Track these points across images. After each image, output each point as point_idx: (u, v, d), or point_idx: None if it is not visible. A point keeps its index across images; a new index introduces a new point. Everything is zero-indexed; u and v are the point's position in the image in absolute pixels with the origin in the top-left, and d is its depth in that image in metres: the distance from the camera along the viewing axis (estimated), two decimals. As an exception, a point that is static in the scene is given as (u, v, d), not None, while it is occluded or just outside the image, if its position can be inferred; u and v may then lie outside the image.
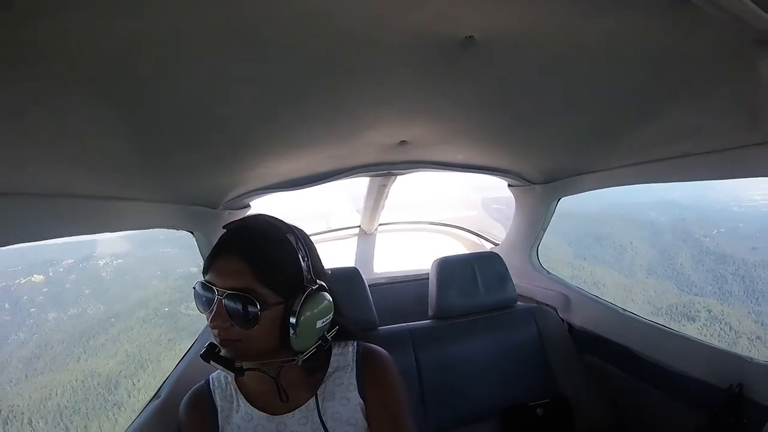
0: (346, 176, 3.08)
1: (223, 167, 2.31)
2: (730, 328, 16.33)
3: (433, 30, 1.32)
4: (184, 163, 2.04)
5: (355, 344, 1.71)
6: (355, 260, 4.50)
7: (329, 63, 1.44)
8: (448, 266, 2.88)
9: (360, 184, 4.25)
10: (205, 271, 1.48)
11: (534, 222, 3.68)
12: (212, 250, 1.49)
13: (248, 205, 3.14)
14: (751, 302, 18.56)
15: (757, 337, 16.28)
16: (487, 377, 2.67)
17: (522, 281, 3.49)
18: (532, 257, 3.75)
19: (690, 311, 18.07)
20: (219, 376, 1.61)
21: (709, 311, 17.63)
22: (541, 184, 3.44)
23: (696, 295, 19.77)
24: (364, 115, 2.02)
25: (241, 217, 1.62)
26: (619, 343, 2.83)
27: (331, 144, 2.41)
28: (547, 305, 3.33)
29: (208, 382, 1.61)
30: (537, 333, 2.80)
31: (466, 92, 1.83)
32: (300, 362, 1.51)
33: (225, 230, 1.54)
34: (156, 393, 2.25)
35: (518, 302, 3.02)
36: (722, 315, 16.92)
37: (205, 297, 1.42)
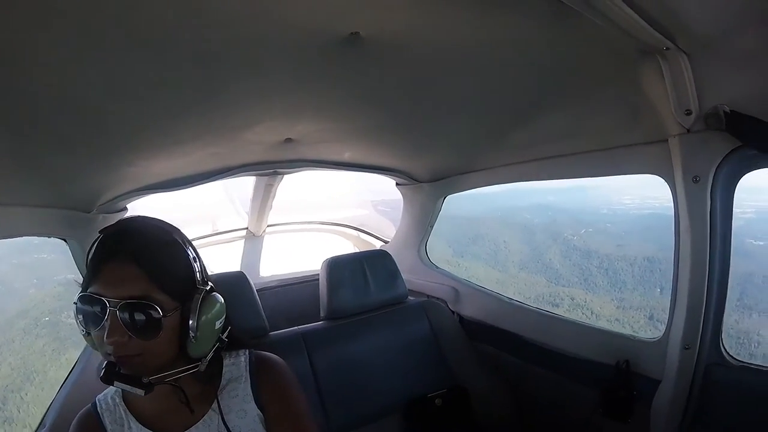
0: (230, 175, 2.97)
1: (97, 166, 2.14)
2: (592, 312, 17.67)
3: (317, 25, 1.30)
4: (53, 162, 1.87)
5: (246, 353, 1.61)
6: (242, 264, 4.40)
7: (209, 56, 1.38)
8: (338, 266, 2.85)
9: (247, 184, 4.10)
10: (88, 283, 1.31)
11: (422, 219, 3.73)
12: (95, 257, 1.33)
13: (125, 208, 2.92)
14: (614, 291, 20.24)
15: (616, 319, 17.81)
16: (384, 374, 2.67)
17: (412, 277, 3.53)
18: (421, 253, 3.79)
19: (555, 299, 19.29)
20: (106, 398, 1.45)
21: (572, 299, 18.99)
22: (429, 182, 3.50)
23: (563, 286, 21.19)
24: (247, 112, 1.96)
25: (115, 222, 1.47)
26: (510, 331, 2.97)
27: (213, 141, 2.31)
28: (437, 299, 3.38)
29: (95, 405, 1.45)
30: (429, 326, 2.84)
31: (353, 90, 1.84)
32: (203, 367, 1.42)
33: (103, 235, 1.37)
34: (41, 422, 2.09)
35: (409, 297, 3.02)
36: (585, 302, 18.32)
37: (92, 312, 1.27)
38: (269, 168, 3.11)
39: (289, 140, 2.46)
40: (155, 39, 1.25)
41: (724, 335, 1.95)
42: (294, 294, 3.71)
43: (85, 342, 1.36)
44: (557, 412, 2.67)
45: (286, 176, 3.63)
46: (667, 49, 1.53)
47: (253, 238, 4.54)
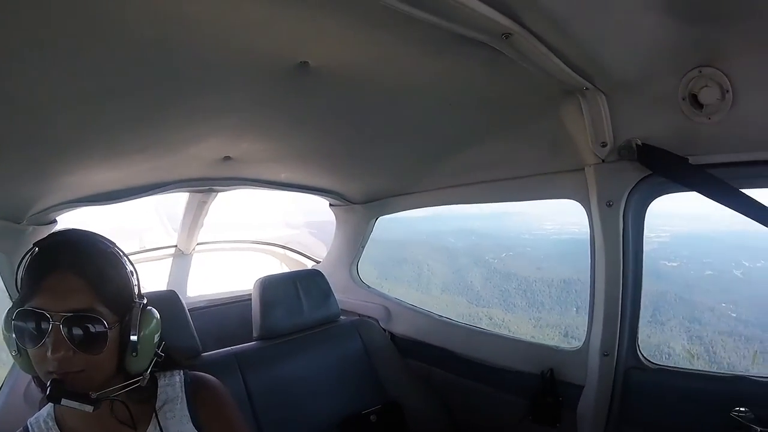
0: (167, 190, 2.93)
1: (32, 174, 2.08)
2: (509, 330, 18.19)
3: (268, 53, 1.38)
4: None
5: (181, 373, 1.57)
6: (169, 283, 4.24)
7: (158, 71, 1.46)
8: (271, 285, 2.84)
9: (177, 201, 4.00)
10: (24, 297, 1.24)
11: (354, 239, 3.78)
12: (31, 270, 1.28)
13: (55, 221, 2.81)
14: (532, 311, 20.95)
15: (531, 336, 18.41)
16: (319, 393, 2.67)
17: (344, 296, 3.56)
18: (353, 273, 3.84)
19: (474, 319, 19.76)
20: (38, 421, 1.36)
21: (491, 318, 19.54)
22: (362, 203, 3.57)
23: (483, 306, 21.71)
24: (191, 128, 2.00)
25: (49, 233, 1.43)
26: (441, 347, 3.08)
27: (155, 155, 2.31)
28: (369, 317, 3.42)
29: (26, 430, 1.36)
30: (362, 344, 2.89)
31: (297, 114, 1.91)
32: (145, 382, 1.39)
33: (38, 247, 1.32)
34: None
35: (342, 317, 3.05)
36: (503, 321, 18.91)
37: (32, 327, 1.20)
38: (206, 185, 3.12)
39: (228, 158, 2.48)
40: (103, 49, 1.25)
41: (640, 342, 2.16)
42: (225, 314, 3.64)
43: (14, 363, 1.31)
44: (489, 422, 2.79)
45: (220, 194, 3.59)
46: (587, 89, 1.74)
47: (181, 257, 4.41)
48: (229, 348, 2.57)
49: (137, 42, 1.24)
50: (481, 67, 1.56)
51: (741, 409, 1.83)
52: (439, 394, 2.93)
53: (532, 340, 2.65)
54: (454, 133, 2.30)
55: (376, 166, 2.97)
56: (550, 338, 20.02)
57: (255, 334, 2.73)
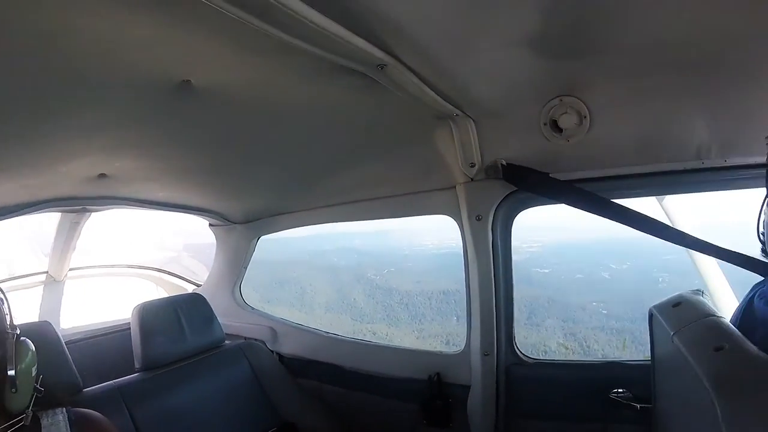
0: (38, 209, 2.69)
1: None
2: (391, 342, 18.67)
3: (150, 70, 1.37)
4: None
5: (64, 411, 1.45)
6: (41, 314, 3.91)
7: (31, 86, 1.39)
8: (150, 312, 2.69)
9: (47, 223, 3.71)
10: None
11: (236, 260, 3.71)
12: None
13: None
14: (414, 323, 21.52)
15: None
16: (211, 422, 2.58)
17: (228, 320, 3.47)
18: (235, 295, 3.76)
19: (357, 336, 19.99)
20: None
21: (374, 333, 20.00)
22: (242, 223, 3.53)
23: (367, 323, 21.97)
24: (65, 144, 1.91)
25: None
26: (330, 363, 3.09)
27: (22, 172, 2.15)
28: (255, 339, 3.36)
29: None
30: (249, 368, 2.85)
31: (177, 132, 1.90)
32: (29, 420, 1.30)
33: None
34: None
35: (227, 341, 2.98)
36: (386, 335, 19.35)
37: None
38: (79, 204, 2.92)
39: (103, 176, 2.36)
40: None
41: (517, 341, 2.36)
42: (104, 345, 3.41)
43: None
44: (383, 430, 2.85)
45: (94, 214, 3.38)
46: (457, 115, 1.90)
47: (53, 284, 4.06)
48: (111, 382, 2.41)
49: (6, 53, 1.18)
50: (358, 94, 1.65)
51: (619, 390, 2.06)
52: (333, 410, 2.97)
53: (418, 347, 2.71)
54: (334, 153, 2.40)
55: (257, 186, 2.98)
56: (433, 347, 20.70)
57: (137, 366, 2.58)
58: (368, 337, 19.44)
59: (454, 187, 2.28)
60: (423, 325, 21.62)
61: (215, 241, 3.83)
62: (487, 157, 2.11)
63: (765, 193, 1.03)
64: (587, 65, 1.67)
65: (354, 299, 23.11)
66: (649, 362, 1.57)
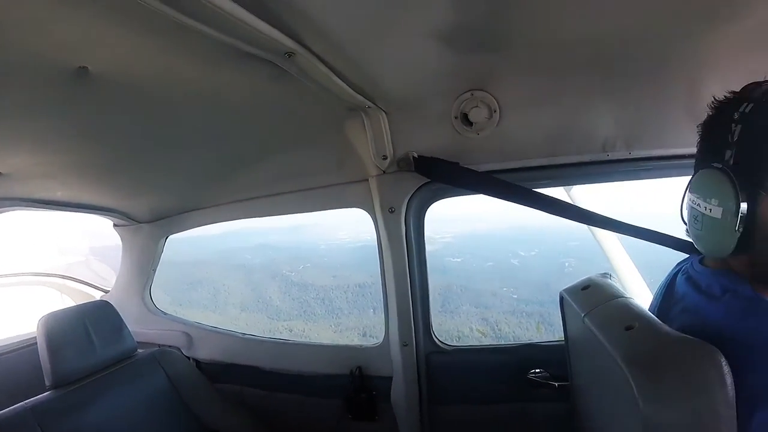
0: None
1: None
2: (309, 339, 18.80)
3: (42, 54, 1.27)
4: None
5: None
6: None
7: None
8: (56, 324, 2.43)
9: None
10: None
11: (143, 263, 3.48)
12: None
13: None
14: (331, 317, 21.80)
15: (332, 341, 19.25)
16: None
17: (140, 327, 3.25)
18: (146, 300, 3.53)
19: (275, 334, 19.99)
20: None
21: (291, 330, 20.18)
22: (149, 222, 3.32)
23: (283, 320, 22.03)
24: None
25: None
26: (249, 365, 2.95)
27: None
28: (169, 347, 3.18)
29: None
30: (166, 377, 2.65)
31: (75, 124, 1.77)
32: None
33: None
34: None
35: (139, 350, 2.79)
36: (303, 331, 19.48)
37: None
38: None
39: None
40: None
41: (434, 329, 2.40)
42: (11, 363, 3.15)
43: None
44: (309, 428, 2.77)
45: None
46: (369, 107, 1.89)
47: None
48: (23, 402, 2.20)
49: None
50: (268, 83, 1.61)
51: (537, 370, 2.14)
52: (256, 413, 2.85)
53: (337, 342, 2.75)
54: (244, 146, 2.29)
55: (164, 181, 2.80)
56: (350, 340, 21.05)
57: (48, 383, 2.37)
58: (285, 335, 19.38)
59: (367, 179, 2.27)
60: (340, 319, 21.86)
61: (121, 242, 3.59)
62: (400, 150, 2.09)
63: (689, 180, 1.06)
64: (498, 61, 1.69)
65: (269, 297, 22.93)
66: (563, 343, 1.64)
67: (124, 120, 1.77)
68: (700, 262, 1.08)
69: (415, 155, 2.05)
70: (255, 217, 2.85)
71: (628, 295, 1.22)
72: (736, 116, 0.88)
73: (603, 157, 1.92)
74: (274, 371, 2.85)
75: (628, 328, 1.01)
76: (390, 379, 2.41)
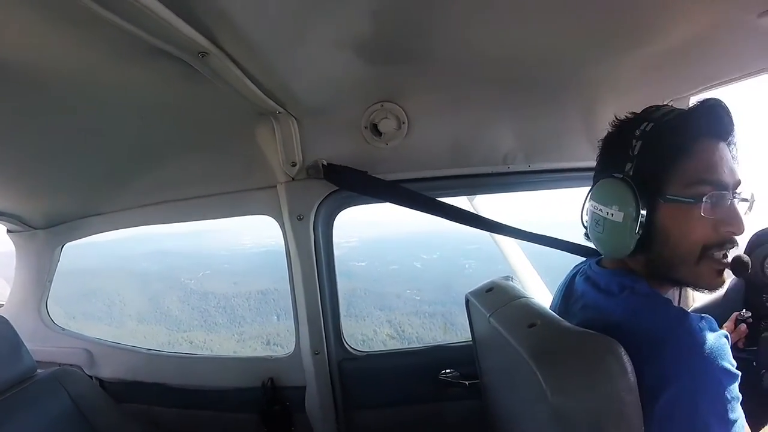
0: None
1: None
2: (211, 350, 18.52)
3: None
4: None
5: None
6: None
7: None
8: None
9: None
10: None
11: (39, 273, 3.27)
12: None
13: None
14: (234, 326, 21.48)
15: (234, 352, 18.80)
16: None
17: (38, 345, 3.04)
18: (42, 315, 3.31)
19: (174, 346, 19.34)
20: None
21: (191, 342, 19.80)
22: (45, 228, 3.12)
23: (183, 331, 21.39)
24: None
25: None
26: (156, 383, 2.82)
27: None
28: (71, 365, 3.01)
29: None
30: (69, 399, 2.50)
31: None
32: None
33: None
34: None
35: (39, 370, 2.63)
36: (204, 343, 19.15)
37: None
38: None
39: None
40: None
41: (345, 336, 2.34)
42: None
43: None
44: None
45: None
46: (280, 113, 1.85)
47: None
48: None
49: None
50: (177, 81, 1.51)
51: (447, 370, 2.12)
52: None
53: (246, 354, 2.81)
54: (148, 147, 2.19)
55: (60, 183, 2.63)
56: (253, 349, 20.66)
57: None
58: (186, 347, 18.67)
59: (275, 186, 2.20)
60: (243, 328, 21.59)
61: (15, 250, 3.36)
62: (309, 157, 2.05)
63: (590, 189, 1.19)
64: (408, 74, 1.71)
65: (168, 307, 22.13)
66: (471, 343, 1.66)
67: (16, 115, 1.70)
68: (598, 263, 1.17)
69: (325, 163, 2.03)
70: (158, 223, 2.74)
71: (529, 295, 1.26)
72: (637, 133, 0.97)
73: (504, 168, 1.98)
74: (182, 388, 2.76)
75: (531, 326, 1.04)
76: (303, 389, 2.34)
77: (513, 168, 1.97)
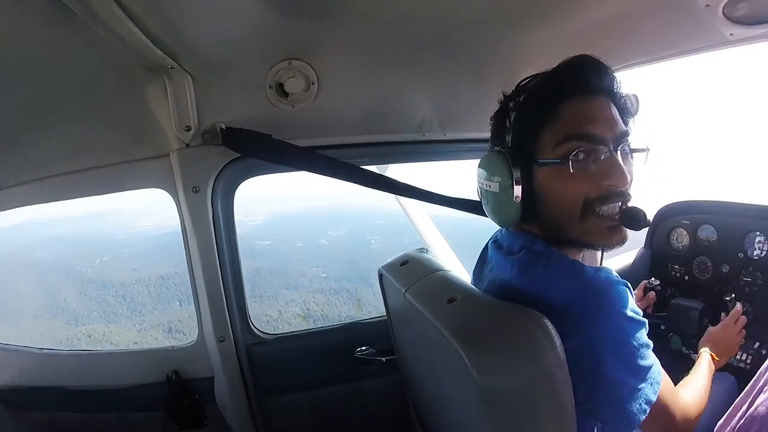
0: None
1: None
2: (111, 343, 17.97)
3: None
4: None
5: None
6: None
7: None
8: None
9: None
10: None
11: None
12: None
13: None
14: (135, 316, 20.69)
15: (135, 342, 18.40)
16: None
17: None
18: None
19: (73, 342, 18.79)
20: None
21: (90, 336, 18.73)
22: None
23: (82, 324, 20.63)
24: None
25: None
26: (54, 386, 2.42)
27: None
28: None
29: None
30: None
31: None
32: None
33: None
34: None
35: None
36: (104, 336, 18.17)
37: None
38: None
39: None
40: None
41: (252, 319, 2.19)
42: None
43: None
44: None
45: None
46: (173, 68, 1.64)
47: None
48: None
49: None
50: (52, 29, 1.33)
51: (363, 348, 2.05)
52: None
53: (147, 347, 2.45)
54: (18, 114, 1.84)
55: None
56: (154, 339, 19.97)
57: None
58: (84, 342, 17.79)
59: (168, 155, 1.95)
60: (144, 317, 21.50)
61: None
62: (206, 120, 1.80)
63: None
64: (320, 30, 1.56)
65: (65, 299, 21.35)
66: (385, 318, 1.57)
67: None
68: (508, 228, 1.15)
69: (223, 126, 1.85)
70: (32, 204, 2.16)
71: (446, 268, 1.22)
72: (511, 105, 0.98)
73: (420, 137, 1.93)
74: (83, 390, 2.36)
75: (451, 301, 0.99)
76: (212, 379, 2.21)
77: (429, 136, 1.94)
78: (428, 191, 1.91)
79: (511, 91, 1.03)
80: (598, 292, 0.86)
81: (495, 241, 1.14)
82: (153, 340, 18.51)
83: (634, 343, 0.86)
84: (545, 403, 0.82)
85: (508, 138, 0.97)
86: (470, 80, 1.78)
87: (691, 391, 1.08)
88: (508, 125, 0.98)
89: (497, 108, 1.04)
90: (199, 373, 2.10)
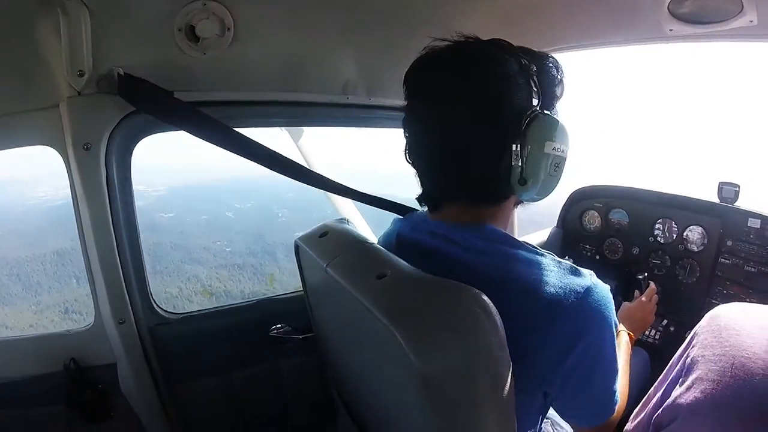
0: None
1: None
2: (7, 327, 17.67)
3: None
4: None
5: None
6: None
7: None
8: None
9: None
10: None
11: None
12: None
13: None
14: (31, 296, 19.82)
15: (30, 326, 17.73)
16: None
17: None
18: None
19: None
20: None
21: None
22: None
23: None
24: None
25: None
26: None
27: None
28: None
29: None
30: None
31: None
32: None
33: None
34: None
35: None
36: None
37: None
38: None
39: None
40: None
41: (155, 298, 1.98)
42: None
43: None
44: None
45: None
46: (69, 1, 1.42)
47: None
48: None
49: None
50: None
51: (278, 325, 1.95)
52: None
53: (42, 332, 2.12)
54: None
55: None
56: (50, 320, 19.40)
57: None
58: None
59: (58, 105, 1.68)
60: (40, 297, 20.60)
61: None
62: (103, 64, 1.54)
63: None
64: None
65: None
66: (302, 293, 1.47)
67: None
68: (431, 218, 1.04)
69: (122, 72, 1.64)
70: None
71: (371, 240, 1.12)
72: (526, 62, 0.91)
73: (343, 99, 1.85)
74: None
75: (381, 276, 0.90)
76: (114, 366, 2.03)
77: (352, 100, 1.86)
78: (346, 186, 1.79)
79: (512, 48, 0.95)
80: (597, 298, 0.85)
81: (432, 233, 1.01)
82: (49, 322, 18.24)
83: (614, 344, 0.91)
84: (486, 386, 0.79)
85: (537, 101, 0.90)
86: (396, 45, 1.63)
87: (623, 379, 1.07)
88: (534, 87, 0.90)
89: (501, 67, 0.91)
90: (100, 359, 1.90)
